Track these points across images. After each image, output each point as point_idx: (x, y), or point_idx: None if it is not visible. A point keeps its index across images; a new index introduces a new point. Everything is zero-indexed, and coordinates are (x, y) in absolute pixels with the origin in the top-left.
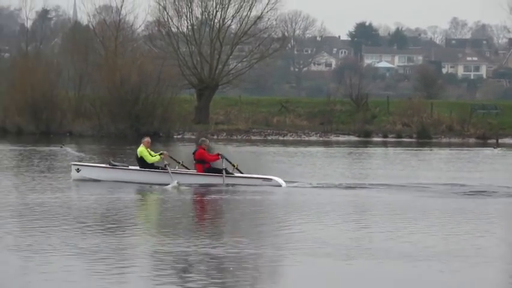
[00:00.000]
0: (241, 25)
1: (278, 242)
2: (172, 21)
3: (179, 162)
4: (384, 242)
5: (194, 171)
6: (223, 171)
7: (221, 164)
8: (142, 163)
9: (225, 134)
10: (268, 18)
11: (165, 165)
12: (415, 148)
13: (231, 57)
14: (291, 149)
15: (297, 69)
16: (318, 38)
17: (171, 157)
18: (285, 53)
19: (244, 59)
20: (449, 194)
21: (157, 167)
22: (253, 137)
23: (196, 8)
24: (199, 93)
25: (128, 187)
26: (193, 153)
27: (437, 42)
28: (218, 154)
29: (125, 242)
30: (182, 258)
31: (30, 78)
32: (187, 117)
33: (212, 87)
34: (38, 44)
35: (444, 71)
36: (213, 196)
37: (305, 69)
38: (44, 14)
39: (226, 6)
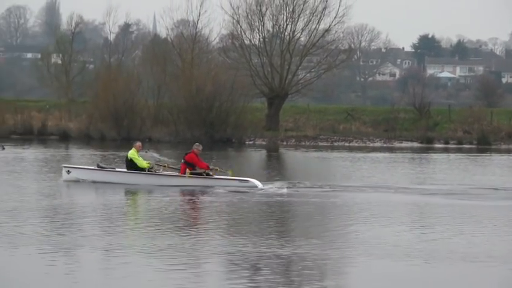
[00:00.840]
0: (310, 37)
1: (341, 242)
2: (245, 34)
3: (165, 166)
4: (445, 244)
5: (176, 173)
6: (204, 174)
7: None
8: (131, 165)
9: (294, 140)
10: (336, 31)
11: (150, 169)
12: (475, 154)
13: (300, 67)
14: (355, 154)
15: (362, 79)
16: (383, 50)
17: (158, 164)
18: (351, 63)
19: (313, 70)
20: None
21: (143, 169)
22: (320, 143)
23: (267, 22)
24: (269, 102)
25: (191, 190)
26: (185, 155)
27: (498, 53)
28: (208, 167)
29: (195, 241)
30: (250, 257)
31: (113, 88)
32: (258, 124)
33: (282, 96)
34: (120, 56)
35: (504, 80)
36: (268, 198)
37: (370, 79)
38: (125, 28)
39: (296, 19)
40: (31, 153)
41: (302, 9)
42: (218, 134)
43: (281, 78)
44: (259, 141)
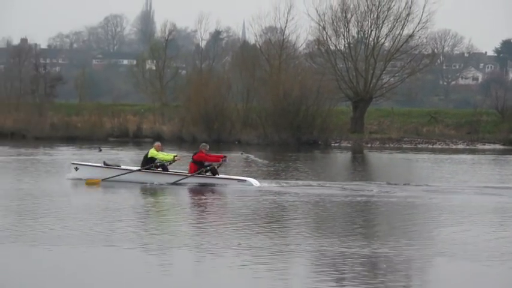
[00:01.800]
0: (394, 43)
1: (422, 242)
2: (330, 40)
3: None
4: None
5: (177, 172)
6: (203, 171)
7: (218, 165)
8: (147, 163)
9: (378, 142)
10: (419, 37)
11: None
12: None
13: (384, 72)
14: (439, 156)
15: (445, 83)
16: (466, 54)
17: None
18: (434, 68)
19: (397, 74)
20: None
21: (148, 168)
22: (404, 145)
23: (352, 28)
24: (354, 105)
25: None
26: (193, 155)
27: None
28: (222, 156)
29: (283, 241)
30: (338, 257)
31: (204, 92)
32: (343, 127)
33: (367, 100)
34: (210, 61)
35: None
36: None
37: (453, 82)
38: (216, 35)
39: (380, 25)
40: (126, 155)
41: (386, 15)
42: (305, 136)
43: (366, 82)
44: (344, 143)
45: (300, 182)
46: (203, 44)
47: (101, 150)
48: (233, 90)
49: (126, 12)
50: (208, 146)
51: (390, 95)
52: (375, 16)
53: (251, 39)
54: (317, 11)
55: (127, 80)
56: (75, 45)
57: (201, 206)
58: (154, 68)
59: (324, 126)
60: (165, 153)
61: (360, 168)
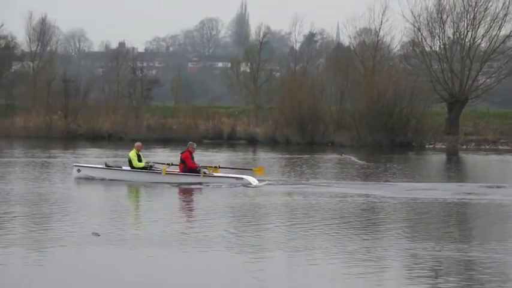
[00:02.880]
0: (490, 43)
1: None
2: (425, 41)
3: (168, 164)
4: None
5: (177, 171)
6: (201, 172)
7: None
8: (131, 165)
9: (473, 144)
10: None
11: (150, 167)
12: None
13: (480, 73)
14: None
15: None
16: None
17: (156, 162)
18: None
19: (493, 75)
20: None
21: (146, 168)
22: (500, 147)
23: (448, 29)
24: (449, 107)
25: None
26: (181, 154)
27: None
28: (198, 166)
29: (377, 244)
30: (431, 260)
31: (298, 94)
32: (438, 128)
33: (462, 101)
34: (304, 63)
35: None
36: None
37: None
38: (310, 37)
39: (477, 26)
40: (220, 157)
41: (483, 16)
42: (399, 138)
43: (461, 83)
44: (439, 145)
45: (401, 184)
46: (297, 46)
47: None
48: (327, 92)
49: (221, 15)
50: (195, 145)
51: (486, 96)
52: (471, 17)
53: (345, 41)
54: (412, 12)
55: (221, 82)
56: (171, 49)
57: (288, 207)
58: (248, 70)
59: (418, 128)
60: (138, 160)
61: (454, 169)
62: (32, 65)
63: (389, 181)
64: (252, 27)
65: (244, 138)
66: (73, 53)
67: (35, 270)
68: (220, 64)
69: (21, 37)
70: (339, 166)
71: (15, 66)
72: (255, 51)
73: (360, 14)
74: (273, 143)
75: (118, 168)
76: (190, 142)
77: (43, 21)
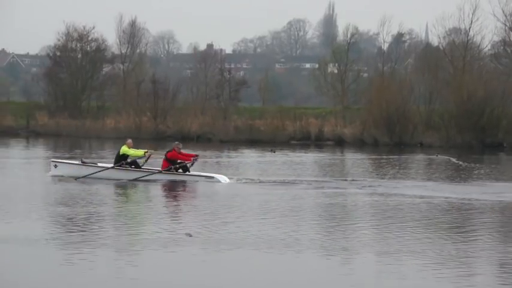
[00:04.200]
0: None
1: None
2: None
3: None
4: None
5: (156, 169)
6: (173, 169)
7: (191, 164)
8: (120, 160)
9: None
10: None
11: (141, 165)
12: None
13: None
14: None
15: None
16: None
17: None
18: None
19: None
20: None
21: (120, 165)
22: None
23: None
24: None
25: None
26: (167, 153)
27: None
28: (194, 155)
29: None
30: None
31: (386, 95)
32: None
33: None
34: (392, 64)
35: None
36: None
37: None
38: (398, 38)
39: None
40: (308, 158)
41: None
42: (489, 138)
43: None
44: None
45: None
46: (385, 46)
47: (274, 151)
48: (415, 93)
49: (309, 16)
50: (181, 145)
51: None
52: None
53: (434, 41)
54: (503, 11)
55: (309, 83)
56: (258, 50)
57: (375, 208)
58: (336, 71)
59: (510, 129)
60: (136, 150)
61: None
62: (122, 67)
63: (484, 182)
64: (340, 28)
65: (331, 139)
66: (162, 55)
67: (129, 272)
68: (307, 65)
69: (112, 39)
70: (433, 166)
71: (106, 69)
72: (343, 52)
73: (450, 13)
74: (360, 144)
75: (93, 165)
76: (176, 142)
77: (133, 24)
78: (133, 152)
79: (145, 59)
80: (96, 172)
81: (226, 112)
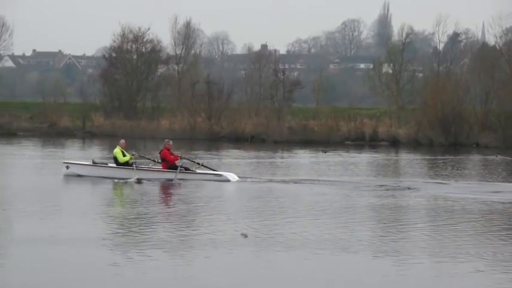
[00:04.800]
0: None
1: None
2: None
3: (154, 161)
4: None
5: (159, 168)
6: (178, 169)
7: (186, 163)
8: (117, 161)
9: None
10: None
11: (133, 163)
12: None
13: None
14: None
15: None
16: None
17: (142, 156)
18: None
19: None
20: None
21: (131, 164)
22: None
23: None
24: None
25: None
26: (160, 152)
27: None
28: (178, 156)
29: None
30: None
31: (441, 95)
32: None
33: None
34: (448, 64)
35: None
36: None
37: None
38: (454, 37)
39: None
40: (362, 159)
41: None
42: None
43: None
44: None
45: None
46: (441, 46)
47: (325, 152)
48: (471, 93)
49: (363, 16)
50: (171, 142)
51: None
52: None
53: (491, 40)
54: None
55: (363, 83)
56: (312, 50)
57: (431, 210)
58: (390, 71)
59: None
60: (124, 155)
61: None
62: (176, 68)
63: None
64: (395, 28)
65: (386, 140)
66: (216, 56)
67: (185, 272)
68: (362, 65)
69: (167, 41)
70: (493, 167)
71: (161, 69)
72: (398, 52)
73: (507, 13)
74: (415, 145)
75: (104, 165)
76: (166, 140)
77: (188, 25)
78: (122, 158)
79: (199, 60)
80: (105, 171)
81: (280, 113)
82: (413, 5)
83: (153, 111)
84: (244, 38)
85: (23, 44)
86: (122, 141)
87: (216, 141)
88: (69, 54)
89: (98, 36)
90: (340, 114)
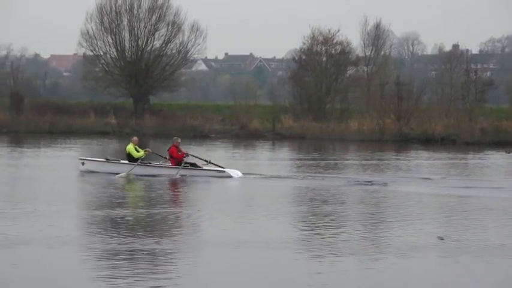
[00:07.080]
0: None
1: None
2: None
3: (165, 158)
4: None
5: (168, 165)
6: (181, 165)
7: (192, 159)
8: (130, 158)
9: None
10: None
11: (137, 159)
12: None
13: None
14: None
15: None
16: None
17: (156, 153)
18: None
19: None
20: None
21: (136, 160)
22: None
23: None
24: None
25: None
26: (168, 150)
27: None
28: (185, 153)
29: None
30: None
31: None
32: None
33: None
34: None
35: None
36: None
37: None
38: None
39: None
40: None
41: None
42: None
43: None
44: None
45: None
46: None
47: (509, 153)
48: None
49: None
50: (179, 139)
51: None
52: None
53: None
54: None
55: None
56: (506, 50)
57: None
58: None
59: None
60: (137, 151)
61: None
62: (366, 69)
63: None
64: None
65: None
66: (406, 56)
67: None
68: None
69: (356, 42)
70: None
71: (350, 71)
72: None
73: None
74: None
75: (116, 161)
76: (174, 137)
77: (377, 26)
78: (137, 154)
79: (389, 61)
80: (119, 167)
81: (471, 113)
82: None
83: (342, 113)
84: (435, 38)
85: (215, 48)
86: (135, 138)
87: (405, 142)
88: (260, 57)
89: (287, 39)
90: None
